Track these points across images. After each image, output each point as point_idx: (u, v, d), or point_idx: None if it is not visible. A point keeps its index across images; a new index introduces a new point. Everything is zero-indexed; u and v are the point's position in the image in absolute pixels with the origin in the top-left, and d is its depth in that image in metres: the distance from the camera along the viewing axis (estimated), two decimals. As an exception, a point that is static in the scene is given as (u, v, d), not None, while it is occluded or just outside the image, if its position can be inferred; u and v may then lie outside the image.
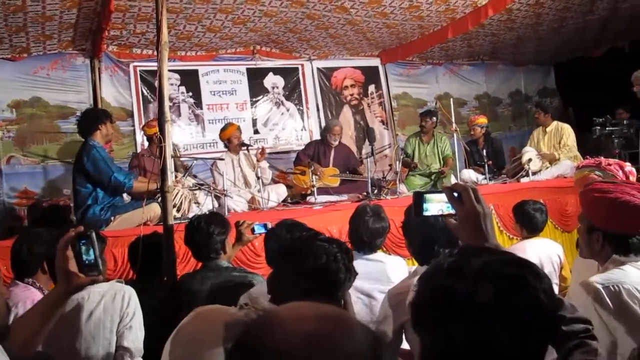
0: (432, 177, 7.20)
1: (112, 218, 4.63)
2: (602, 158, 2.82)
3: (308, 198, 6.30)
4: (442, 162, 7.34)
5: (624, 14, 7.73)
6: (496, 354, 0.98)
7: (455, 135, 6.88)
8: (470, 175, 6.89)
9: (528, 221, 4.02)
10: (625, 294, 1.96)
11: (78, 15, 5.81)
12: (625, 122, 6.39)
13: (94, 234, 1.62)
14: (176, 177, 5.38)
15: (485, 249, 1.14)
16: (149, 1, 5.58)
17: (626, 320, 1.91)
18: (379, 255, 3.28)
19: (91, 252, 1.61)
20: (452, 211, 1.49)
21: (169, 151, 3.44)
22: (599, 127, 6.33)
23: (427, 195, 1.51)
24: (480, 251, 1.12)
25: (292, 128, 8.60)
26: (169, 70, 7.31)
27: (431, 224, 2.29)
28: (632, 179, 2.66)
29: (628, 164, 2.76)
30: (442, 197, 1.51)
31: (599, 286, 1.98)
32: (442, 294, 1.02)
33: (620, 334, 1.92)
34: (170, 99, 7.49)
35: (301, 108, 8.66)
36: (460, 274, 1.03)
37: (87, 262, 1.61)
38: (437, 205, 1.49)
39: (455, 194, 1.46)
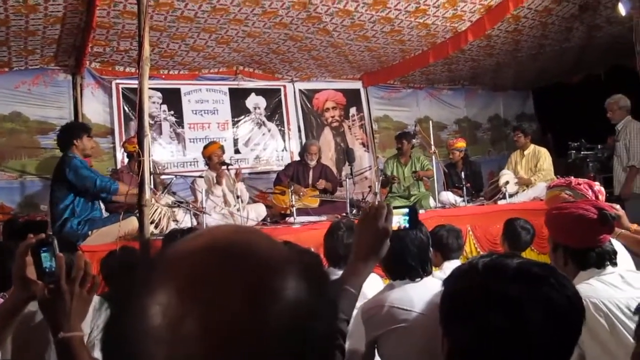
0: (411, 198, 7.25)
1: (90, 232, 4.61)
2: (573, 178, 2.89)
3: (287, 218, 6.31)
4: (420, 182, 7.41)
5: (600, 42, 7.92)
6: (534, 344, 1.05)
7: (434, 157, 6.96)
8: (448, 197, 6.95)
9: (513, 237, 4.07)
10: (592, 308, 2.00)
11: (61, 30, 5.83)
12: (599, 146, 6.51)
13: (55, 242, 1.59)
14: (155, 193, 5.38)
15: (513, 254, 1.21)
16: (132, 18, 5.61)
17: (593, 333, 1.95)
18: (354, 271, 3.28)
19: (53, 260, 1.57)
20: (407, 225, 1.57)
21: (147, 166, 3.45)
22: (574, 151, 6.46)
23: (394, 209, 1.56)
24: (511, 254, 1.21)
25: (273, 148, 8.63)
26: (151, 88, 7.37)
27: (401, 237, 2.30)
28: (602, 198, 2.73)
29: (597, 183, 2.82)
30: (402, 211, 1.59)
31: (567, 301, 2.02)
32: (482, 290, 1.10)
33: (588, 346, 1.96)
34: (152, 117, 7.51)
35: (282, 129, 8.70)
36: (499, 272, 1.11)
37: (47, 269, 1.57)
38: (395, 218, 1.53)
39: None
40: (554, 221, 2.27)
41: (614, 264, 2.19)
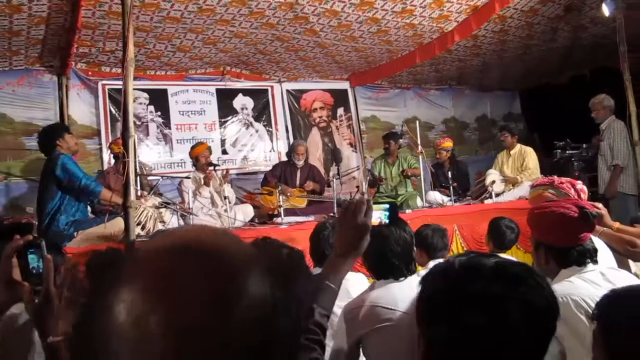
0: (399, 198, 7.27)
1: (75, 234, 4.59)
2: (555, 177, 2.91)
3: (275, 218, 6.31)
4: (407, 182, 7.44)
5: (585, 43, 7.97)
6: (511, 342, 1.06)
7: (421, 157, 6.98)
8: (435, 196, 6.98)
9: (498, 236, 4.11)
10: (573, 305, 2.03)
11: (46, 31, 5.79)
12: (584, 145, 6.57)
13: (43, 243, 1.58)
14: (142, 194, 5.36)
15: (493, 254, 1.22)
16: (118, 19, 5.57)
17: (574, 329, 1.97)
18: (340, 271, 3.29)
19: (40, 261, 1.56)
20: (387, 220, 1.57)
21: (132, 166, 3.44)
22: (559, 151, 6.51)
23: (374, 205, 1.56)
24: (488, 254, 1.21)
25: (261, 149, 8.62)
26: (138, 89, 7.36)
27: (385, 236, 2.31)
28: (584, 196, 2.75)
29: (579, 182, 2.84)
30: (382, 207, 1.60)
31: (548, 298, 2.04)
32: (460, 289, 1.10)
33: (569, 342, 1.98)
34: (139, 118, 7.49)
35: (270, 129, 8.69)
36: (476, 272, 1.11)
37: (34, 271, 1.56)
38: (376, 213, 1.54)
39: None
40: (535, 220, 2.30)
41: (595, 262, 2.21)
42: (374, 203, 1.54)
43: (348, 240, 1.46)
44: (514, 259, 4.26)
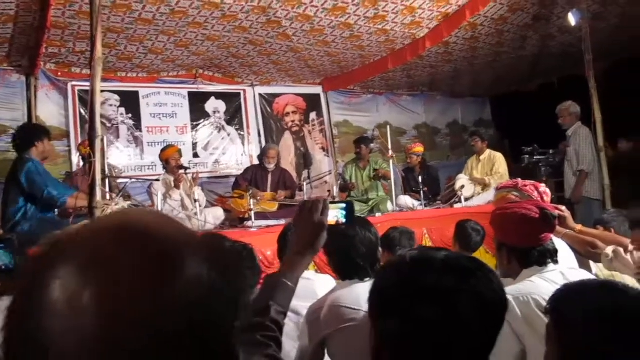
0: (370, 202, 7.31)
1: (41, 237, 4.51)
2: (519, 179, 2.96)
3: (245, 222, 6.28)
4: (379, 186, 7.49)
5: (553, 52, 8.13)
6: (462, 334, 1.07)
7: (391, 162, 7.03)
8: (406, 201, 7.03)
9: (464, 238, 4.15)
10: (534, 304, 2.06)
11: (14, 29, 5.71)
12: (551, 151, 6.68)
13: (15, 237, 1.57)
14: (111, 197, 5.30)
15: (443, 248, 1.23)
16: (88, 19, 5.50)
17: (534, 327, 2.00)
18: (308, 273, 3.29)
19: (9, 257, 1.55)
20: (344, 219, 1.58)
21: (99, 167, 3.41)
22: (527, 156, 6.62)
23: (330, 204, 1.57)
24: (439, 248, 1.23)
25: (233, 153, 8.60)
26: (109, 91, 7.30)
27: (351, 236, 2.32)
28: (547, 199, 2.80)
29: (543, 185, 2.89)
30: (339, 205, 1.59)
31: (510, 297, 2.06)
32: (411, 282, 1.11)
33: (530, 341, 2.01)
34: (109, 120, 7.42)
35: (242, 133, 8.68)
36: (427, 265, 1.12)
37: (2, 267, 1.55)
38: (333, 212, 1.55)
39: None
40: (498, 221, 2.34)
41: (556, 262, 2.25)
42: (331, 203, 1.55)
43: (305, 238, 1.47)
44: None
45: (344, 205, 1.60)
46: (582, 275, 2.26)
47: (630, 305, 1.29)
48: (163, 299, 0.58)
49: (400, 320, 1.09)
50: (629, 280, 2.44)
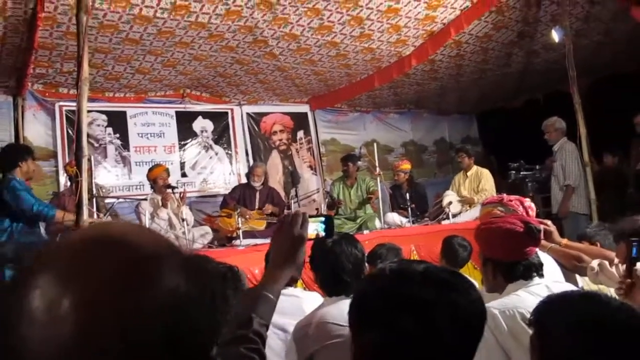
0: (357, 220, 7.32)
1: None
2: (505, 195, 2.98)
3: (234, 241, 6.27)
4: (365, 203, 7.51)
5: (538, 68, 8.23)
6: (441, 346, 1.07)
7: (379, 179, 7.06)
8: (394, 218, 7.05)
9: (450, 254, 4.15)
10: (519, 318, 2.06)
11: (1, 50, 5.70)
12: (537, 167, 6.73)
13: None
14: (98, 216, 5.28)
15: (422, 261, 1.24)
16: (76, 40, 5.54)
17: (520, 341, 2.00)
18: (296, 290, 3.29)
19: None
20: (323, 233, 1.60)
21: (85, 186, 3.40)
22: (513, 172, 6.67)
23: (310, 218, 1.58)
24: (418, 261, 1.22)
25: (221, 172, 8.60)
26: (96, 111, 7.29)
27: (337, 253, 2.33)
28: (532, 213, 2.81)
29: (528, 199, 2.91)
30: (319, 219, 1.61)
31: (496, 311, 2.09)
32: (391, 294, 1.12)
33: (516, 355, 2.01)
34: (97, 140, 7.40)
35: (230, 152, 8.69)
36: (407, 277, 1.13)
37: None
38: (312, 225, 1.57)
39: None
40: (483, 236, 2.35)
41: (541, 276, 2.26)
42: (311, 216, 1.56)
43: (285, 251, 1.48)
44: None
45: (323, 218, 1.62)
46: (567, 288, 2.28)
47: (612, 316, 1.30)
48: (139, 307, 0.59)
49: (380, 332, 1.10)
50: (615, 293, 2.46)
